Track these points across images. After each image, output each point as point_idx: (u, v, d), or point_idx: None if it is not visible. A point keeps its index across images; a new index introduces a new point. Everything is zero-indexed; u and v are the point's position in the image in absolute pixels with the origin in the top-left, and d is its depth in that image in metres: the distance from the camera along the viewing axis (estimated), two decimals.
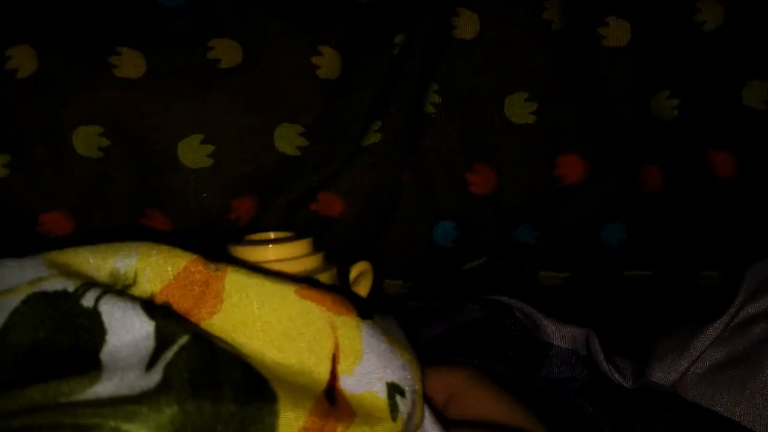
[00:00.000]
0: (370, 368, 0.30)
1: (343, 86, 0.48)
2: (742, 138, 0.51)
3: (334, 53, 0.47)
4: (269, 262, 0.38)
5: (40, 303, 0.29)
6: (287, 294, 0.31)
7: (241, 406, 0.26)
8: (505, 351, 0.49)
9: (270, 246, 0.38)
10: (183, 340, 0.28)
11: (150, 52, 0.46)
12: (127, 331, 0.29)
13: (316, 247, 0.40)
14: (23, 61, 0.46)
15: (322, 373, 0.30)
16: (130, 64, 0.46)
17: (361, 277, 0.43)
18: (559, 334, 0.48)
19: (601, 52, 0.51)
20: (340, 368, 0.30)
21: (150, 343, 0.28)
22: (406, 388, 0.30)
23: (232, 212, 0.49)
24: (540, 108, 0.50)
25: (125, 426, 0.24)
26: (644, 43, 0.51)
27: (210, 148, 0.47)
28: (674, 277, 0.55)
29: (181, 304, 0.31)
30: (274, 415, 0.27)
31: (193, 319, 0.31)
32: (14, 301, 0.29)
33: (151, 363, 0.28)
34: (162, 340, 0.28)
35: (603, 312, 0.54)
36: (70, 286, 0.29)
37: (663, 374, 0.46)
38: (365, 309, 0.31)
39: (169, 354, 0.28)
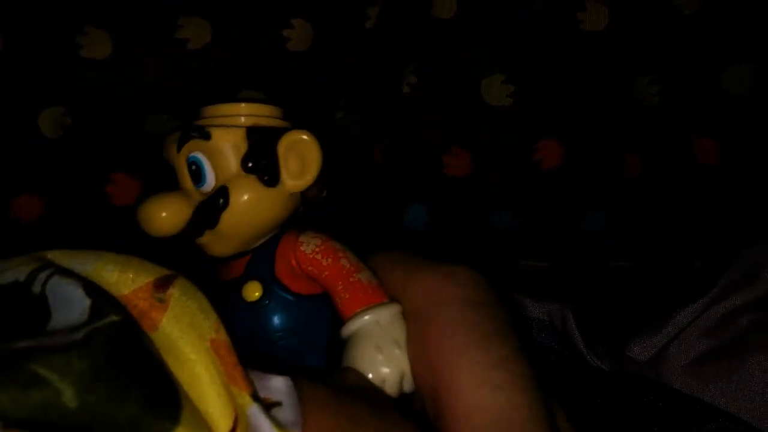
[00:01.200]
0: None
1: (314, 59, 0.47)
2: (723, 124, 0.51)
3: (305, 24, 0.46)
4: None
5: None
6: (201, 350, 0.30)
7: (143, 408, 0.25)
8: None
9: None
10: (114, 318, 0.28)
11: (117, 32, 0.46)
12: (67, 309, 0.28)
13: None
14: None
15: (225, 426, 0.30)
16: (96, 45, 0.45)
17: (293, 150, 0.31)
18: (537, 307, 0.47)
19: (578, 37, 0.50)
20: None
21: (84, 317, 0.28)
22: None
23: None
24: (517, 90, 0.49)
25: (49, 376, 0.24)
26: (622, 27, 0.50)
27: (176, 124, 0.46)
28: (657, 268, 0.54)
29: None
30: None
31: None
32: None
33: (77, 328, 0.27)
34: (94, 315, 0.28)
35: (586, 302, 0.54)
36: (22, 275, 0.29)
37: (639, 349, 0.45)
38: None
39: (98, 324, 0.27)
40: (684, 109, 0.51)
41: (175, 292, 0.30)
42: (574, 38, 0.50)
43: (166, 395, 0.26)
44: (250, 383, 0.29)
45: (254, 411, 0.28)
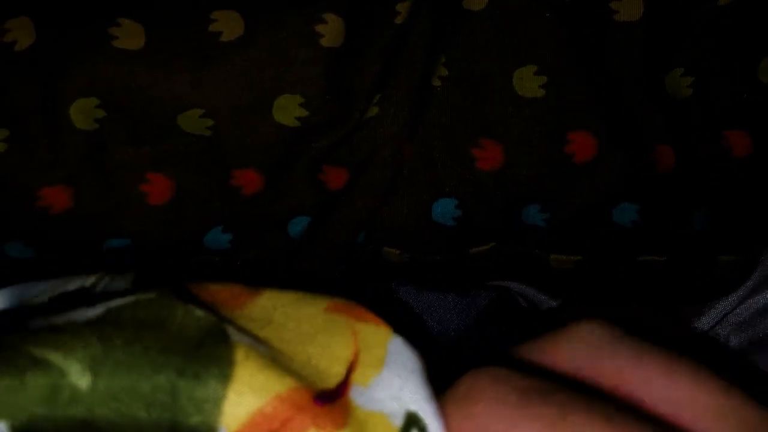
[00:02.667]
0: (389, 386, 0.25)
1: (347, 55, 0.47)
2: (758, 116, 0.51)
3: (339, 20, 0.47)
4: None
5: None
6: (316, 312, 0.28)
7: (179, 372, 0.23)
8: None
9: None
10: (149, 295, 0.26)
11: (150, 24, 0.46)
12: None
13: None
14: (21, 33, 0.45)
15: (332, 376, 0.26)
16: (129, 36, 0.46)
17: None
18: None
19: (612, 27, 0.50)
20: (355, 376, 0.26)
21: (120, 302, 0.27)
22: (429, 425, 0.25)
23: (233, 179, 0.49)
24: (549, 82, 0.49)
25: (50, 355, 0.23)
26: (657, 18, 0.50)
27: (209, 122, 0.47)
28: (689, 263, 0.53)
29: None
30: (220, 386, 0.23)
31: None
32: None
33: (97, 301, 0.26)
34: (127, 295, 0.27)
35: (616, 298, 0.54)
36: (88, 282, 0.29)
37: None
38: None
39: (122, 301, 0.26)
40: (718, 101, 0.50)
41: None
42: (607, 28, 0.50)
43: (210, 353, 0.24)
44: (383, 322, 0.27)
45: (397, 342, 0.26)
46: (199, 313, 0.26)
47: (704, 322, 0.45)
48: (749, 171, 0.51)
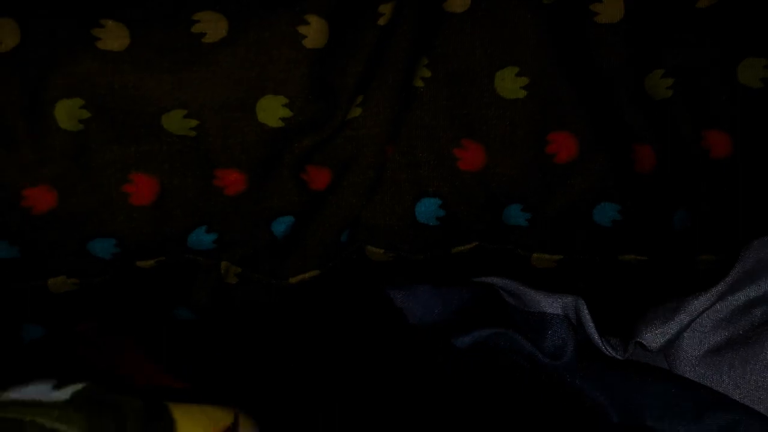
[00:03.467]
0: None
1: (331, 56, 0.48)
2: (737, 117, 0.52)
3: (322, 21, 0.47)
4: None
5: None
6: None
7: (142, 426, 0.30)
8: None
9: None
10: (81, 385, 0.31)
11: (134, 25, 0.47)
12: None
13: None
14: (6, 34, 0.46)
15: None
16: (113, 37, 0.46)
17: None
18: (550, 301, 0.48)
19: (593, 29, 0.51)
20: None
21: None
22: None
23: (216, 179, 0.49)
24: (531, 83, 0.50)
25: (39, 419, 0.28)
26: (638, 20, 0.51)
27: (193, 122, 0.47)
28: (670, 262, 0.54)
29: None
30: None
31: None
32: None
33: (57, 386, 0.31)
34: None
35: (598, 297, 0.54)
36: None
37: (651, 336, 0.46)
38: None
39: (77, 386, 0.31)
40: (698, 102, 0.51)
41: None
42: (588, 30, 0.51)
43: (151, 409, 0.31)
44: None
45: None
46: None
47: (682, 318, 0.46)
48: (729, 171, 0.52)
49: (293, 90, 0.48)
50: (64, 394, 0.30)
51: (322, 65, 0.48)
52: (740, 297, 0.47)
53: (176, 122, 0.47)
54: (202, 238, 0.52)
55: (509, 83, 0.50)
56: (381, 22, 0.49)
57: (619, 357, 0.46)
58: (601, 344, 0.46)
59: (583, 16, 0.51)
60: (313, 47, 0.48)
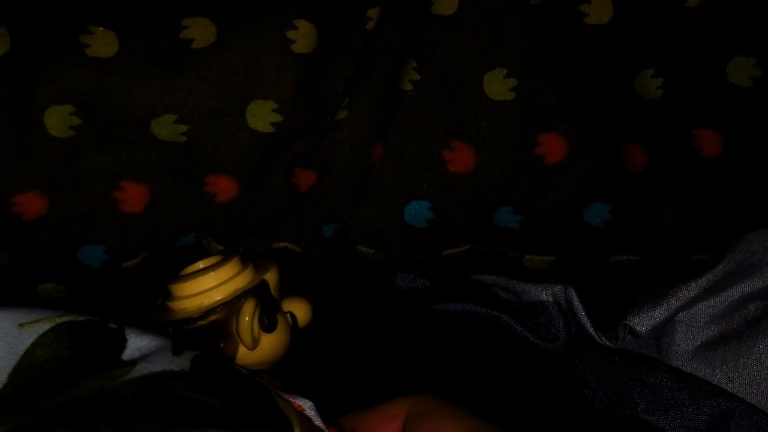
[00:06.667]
0: None
1: (319, 60, 0.49)
2: (727, 116, 0.53)
3: (310, 26, 0.49)
4: (207, 290, 0.42)
5: (68, 328, 0.32)
6: None
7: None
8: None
9: (206, 276, 0.42)
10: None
11: (123, 32, 0.48)
12: (146, 335, 0.32)
13: (244, 261, 0.44)
14: None
15: None
16: (102, 44, 0.47)
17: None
18: (541, 290, 0.49)
19: (582, 30, 0.52)
20: None
21: (167, 343, 0.32)
22: None
23: (208, 185, 0.50)
24: (519, 84, 0.51)
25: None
26: (627, 20, 0.52)
27: (183, 128, 0.48)
28: (663, 262, 0.55)
29: None
30: None
31: None
32: (44, 326, 0.31)
33: (174, 351, 0.31)
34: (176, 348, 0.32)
35: (590, 296, 0.55)
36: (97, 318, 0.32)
37: (639, 320, 0.47)
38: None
39: (190, 354, 0.31)
40: (688, 101, 0.52)
41: None
42: (577, 31, 0.52)
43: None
44: None
45: None
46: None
47: (670, 303, 0.47)
48: (719, 170, 0.53)
49: (283, 94, 0.49)
50: (185, 360, 0.31)
51: (311, 69, 0.49)
52: (734, 292, 0.48)
53: (166, 128, 0.49)
54: (191, 244, 0.53)
55: (498, 85, 0.51)
56: (369, 26, 0.50)
57: (611, 345, 0.47)
58: (593, 331, 0.48)
59: (572, 17, 0.52)
60: (302, 52, 0.49)
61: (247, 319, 0.41)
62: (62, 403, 0.28)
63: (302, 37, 0.49)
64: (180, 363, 0.30)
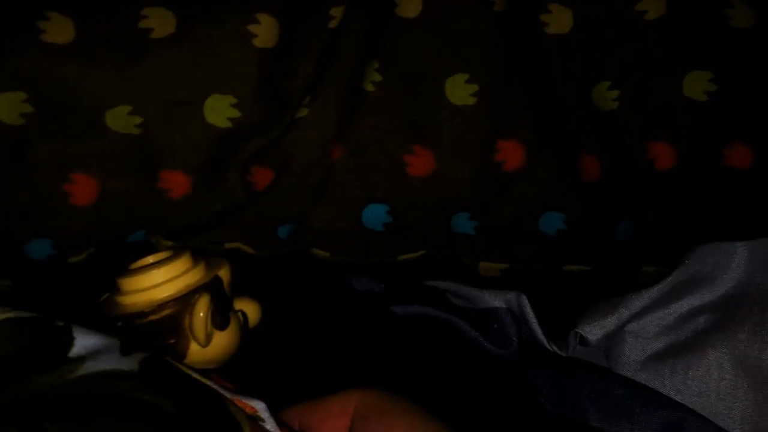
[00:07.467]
0: None
1: (280, 56, 0.49)
2: (681, 129, 0.54)
3: (273, 21, 0.48)
4: (159, 285, 0.41)
5: (11, 324, 0.31)
6: None
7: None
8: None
9: (157, 270, 0.42)
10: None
11: (80, 18, 0.47)
12: (94, 334, 0.32)
13: (195, 257, 0.44)
14: None
15: None
16: (58, 30, 0.46)
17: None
18: (494, 297, 0.50)
19: (542, 39, 0.52)
20: None
21: (115, 342, 0.31)
22: None
23: (161, 181, 0.49)
24: (481, 90, 0.52)
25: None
26: (586, 32, 0.53)
27: (138, 119, 0.48)
28: (613, 273, 0.56)
29: None
30: None
31: None
32: None
33: (123, 351, 0.31)
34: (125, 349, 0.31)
35: (541, 305, 0.56)
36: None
37: (590, 328, 0.48)
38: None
39: (140, 355, 0.31)
40: (643, 114, 0.53)
41: None
42: (538, 40, 0.52)
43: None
44: None
45: None
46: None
47: (621, 312, 0.48)
48: (672, 183, 0.54)
49: (242, 90, 0.49)
50: (133, 361, 0.30)
51: (272, 66, 0.49)
52: (684, 304, 0.49)
53: (121, 119, 0.48)
54: (139, 240, 0.52)
55: (459, 90, 0.51)
56: (332, 24, 0.50)
57: (561, 353, 0.48)
58: (543, 339, 0.48)
59: (533, 26, 0.52)
60: (263, 47, 0.48)
61: (201, 314, 0.40)
62: (7, 401, 0.27)
63: (264, 31, 0.48)
64: (129, 363, 0.30)
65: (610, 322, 0.48)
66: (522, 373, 0.47)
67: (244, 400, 0.33)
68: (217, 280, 0.43)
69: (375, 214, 0.53)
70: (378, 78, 0.51)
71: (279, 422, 0.34)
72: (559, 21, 0.52)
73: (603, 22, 0.53)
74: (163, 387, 0.29)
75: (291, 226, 0.53)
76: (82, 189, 0.49)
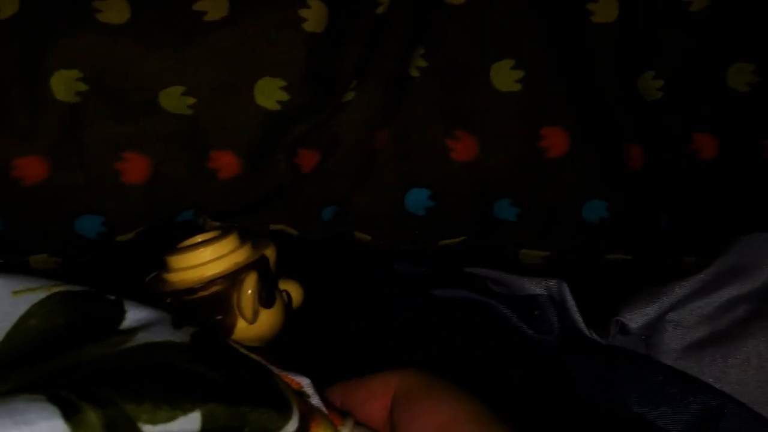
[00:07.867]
0: None
1: (329, 41, 0.50)
2: (724, 120, 0.54)
3: (322, 5, 0.49)
4: (208, 262, 0.42)
5: (63, 297, 0.31)
6: None
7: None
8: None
9: (206, 248, 0.43)
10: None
11: (134, 0, 0.48)
12: (145, 308, 0.32)
13: (242, 237, 0.44)
14: (4, 2, 0.47)
15: None
16: (113, 10, 0.48)
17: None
18: (535, 284, 0.50)
19: (589, 28, 0.53)
20: None
21: (166, 316, 0.32)
22: None
23: (211, 161, 0.50)
24: (526, 77, 0.52)
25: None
26: (631, 21, 0.53)
27: (191, 100, 0.49)
28: (654, 262, 0.56)
29: None
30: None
31: None
32: (39, 295, 0.31)
33: (175, 324, 0.31)
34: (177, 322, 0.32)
35: (582, 294, 0.56)
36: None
37: (632, 316, 0.48)
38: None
39: (191, 329, 0.31)
40: (687, 104, 0.54)
41: None
42: (584, 28, 0.53)
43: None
44: None
45: None
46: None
47: (663, 301, 0.48)
48: (715, 173, 0.54)
49: (292, 73, 0.50)
50: (185, 334, 0.31)
51: (321, 50, 0.50)
52: (724, 294, 0.49)
53: (174, 99, 0.49)
54: (188, 220, 0.53)
55: (504, 76, 0.52)
56: (379, 10, 0.51)
57: (602, 341, 0.48)
58: (584, 327, 0.48)
59: (579, 14, 0.53)
60: (313, 31, 0.49)
61: (249, 291, 0.41)
62: (62, 368, 0.27)
63: (314, 16, 0.49)
64: (180, 336, 0.30)
65: (652, 311, 0.49)
66: (557, 363, 0.47)
67: (290, 376, 0.34)
68: (264, 259, 0.44)
69: (417, 198, 0.53)
70: (423, 64, 0.52)
71: (322, 399, 0.34)
72: (605, 10, 0.53)
73: (648, 12, 0.53)
74: (213, 359, 0.30)
75: (335, 208, 0.54)
76: (135, 168, 0.50)
